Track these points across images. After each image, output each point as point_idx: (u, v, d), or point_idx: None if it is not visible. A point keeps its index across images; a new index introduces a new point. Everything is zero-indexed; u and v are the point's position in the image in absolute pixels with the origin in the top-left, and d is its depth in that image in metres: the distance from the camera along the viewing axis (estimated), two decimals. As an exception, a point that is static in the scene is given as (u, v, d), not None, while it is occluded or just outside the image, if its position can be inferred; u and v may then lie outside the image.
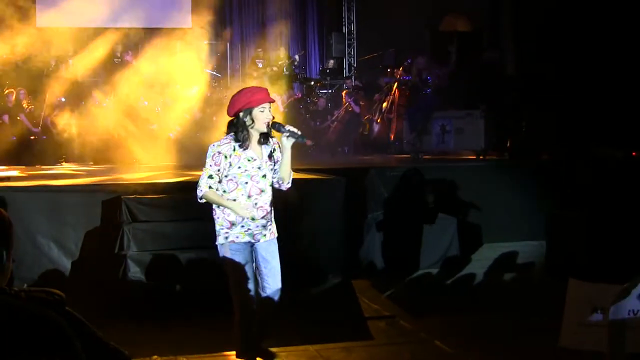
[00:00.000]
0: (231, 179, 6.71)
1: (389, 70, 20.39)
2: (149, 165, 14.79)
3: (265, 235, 6.87)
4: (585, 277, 5.03)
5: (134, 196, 10.18)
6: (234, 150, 6.67)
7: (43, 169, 15.17)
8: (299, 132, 6.71)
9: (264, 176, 6.78)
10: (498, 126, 16.45)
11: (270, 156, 6.87)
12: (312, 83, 22.55)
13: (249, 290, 6.85)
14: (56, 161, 16.65)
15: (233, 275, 6.84)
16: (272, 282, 6.97)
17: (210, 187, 6.66)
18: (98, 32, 19.48)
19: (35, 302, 2.17)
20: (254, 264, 6.96)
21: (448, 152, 17.19)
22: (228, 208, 6.69)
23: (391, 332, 8.77)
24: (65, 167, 16.10)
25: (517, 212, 12.59)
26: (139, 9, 20.35)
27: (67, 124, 17.44)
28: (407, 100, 18.51)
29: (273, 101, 6.81)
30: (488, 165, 15.14)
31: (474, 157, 16.18)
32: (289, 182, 6.93)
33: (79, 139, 17.14)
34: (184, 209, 10.02)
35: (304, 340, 8.16)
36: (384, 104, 19.02)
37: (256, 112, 6.64)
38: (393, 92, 18.70)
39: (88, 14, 20.14)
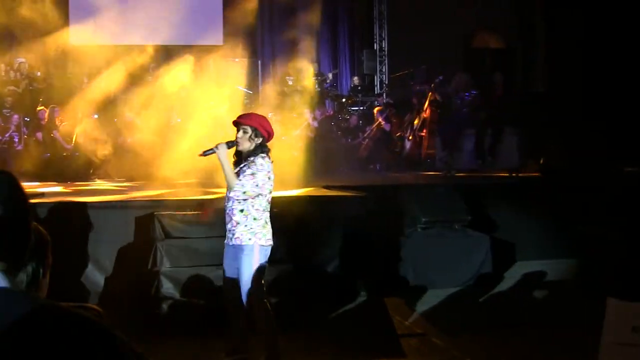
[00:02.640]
0: None
1: (419, 87, 20.34)
2: (181, 182, 14.82)
3: (231, 239, 7.52)
4: (622, 296, 4.99)
5: (166, 213, 10.23)
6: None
7: (76, 186, 15.25)
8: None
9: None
10: (531, 144, 16.39)
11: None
12: (343, 100, 22.55)
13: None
14: (89, 177, 16.74)
15: None
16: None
17: None
18: (131, 49, 19.55)
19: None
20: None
21: (480, 169, 17.14)
22: None
23: (423, 349, 8.74)
24: (98, 184, 16.18)
25: (550, 230, 12.50)
26: (170, 27, 20.44)
27: (99, 140, 17.54)
28: (438, 117, 18.45)
29: (239, 123, 7.57)
30: (520, 183, 15.10)
31: (507, 174, 16.13)
32: (232, 192, 7.43)
33: (111, 155, 17.23)
34: (216, 225, 10.04)
35: (336, 356, 8.16)
36: (415, 121, 18.97)
37: None
38: (425, 109, 18.64)
39: (121, 31, 20.29)
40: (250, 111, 9.26)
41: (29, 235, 2.26)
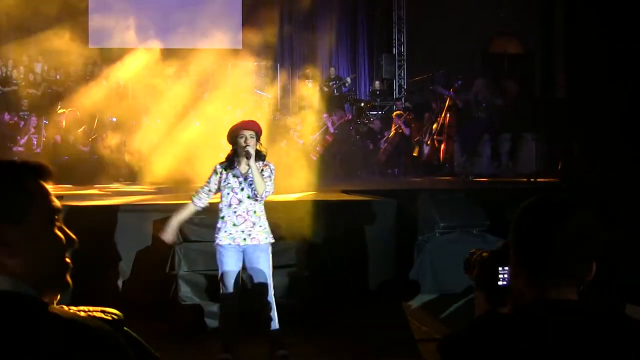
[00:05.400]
0: (220, 191, 7.86)
1: (439, 91, 20.29)
2: (199, 186, 14.81)
3: (245, 239, 7.71)
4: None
5: (185, 216, 10.21)
6: (225, 168, 7.87)
7: (94, 188, 15.27)
8: (249, 152, 7.59)
9: (242, 189, 7.77)
10: (549, 149, 16.34)
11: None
12: (362, 104, 22.54)
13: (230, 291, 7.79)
14: (107, 180, 16.76)
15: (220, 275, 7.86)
16: (256, 284, 7.86)
17: (195, 195, 8.07)
18: (149, 52, 19.57)
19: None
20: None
21: (499, 174, 17.09)
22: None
23: (441, 354, 8.69)
24: (116, 187, 16.20)
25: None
26: (189, 30, 20.50)
27: (118, 143, 17.58)
28: (457, 122, 18.41)
29: (255, 130, 7.77)
30: (539, 188, 15.03)
31: (525, 179, 16.07)
32: (261, 195, 7.70)
33: (129, 158, 17.26)
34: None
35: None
36: (434, 126, 18.94)
37: (236, 139, 7.76)
38: (443, 113, 18.60)
39: (139, 34, 20.31)
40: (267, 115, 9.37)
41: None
